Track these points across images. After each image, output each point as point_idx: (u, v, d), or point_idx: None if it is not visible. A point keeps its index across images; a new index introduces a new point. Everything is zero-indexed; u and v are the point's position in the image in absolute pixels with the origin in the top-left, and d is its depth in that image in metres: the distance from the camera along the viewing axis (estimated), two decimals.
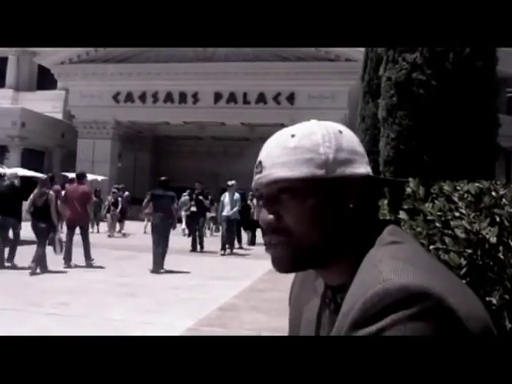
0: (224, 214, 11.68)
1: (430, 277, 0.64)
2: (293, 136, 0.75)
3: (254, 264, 9.32)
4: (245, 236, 14.11)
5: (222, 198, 12.04)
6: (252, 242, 14.06)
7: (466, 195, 1.89)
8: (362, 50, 5.48)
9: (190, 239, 12.23)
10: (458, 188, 1.93)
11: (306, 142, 0.75)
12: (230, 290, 6.65)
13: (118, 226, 15.91)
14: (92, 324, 4.69)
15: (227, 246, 11.76)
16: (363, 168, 0.77)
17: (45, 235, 7.80)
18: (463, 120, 3.02)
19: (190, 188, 14.14)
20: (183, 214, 13.85)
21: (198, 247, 11.90)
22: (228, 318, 5.16)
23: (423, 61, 3.09)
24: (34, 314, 5.01)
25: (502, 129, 3.29)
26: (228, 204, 11.70)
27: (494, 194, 1.82)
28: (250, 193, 13.10)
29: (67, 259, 8.44)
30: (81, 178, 9.09)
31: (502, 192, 1.83)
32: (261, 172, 0.76)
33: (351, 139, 0.78)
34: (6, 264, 8.09)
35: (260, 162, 0.77)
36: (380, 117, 3.45)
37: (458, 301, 0.63)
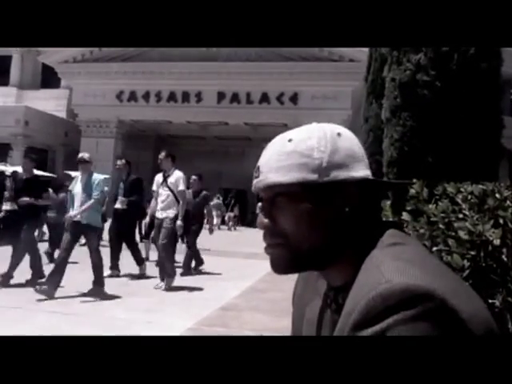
0: (69, 213, 6.12)
1: (433, 278, 0.64)
2: (290, 141, 0.77)
3: (254, 265, 9.31)
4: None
5: (70, 187, 6.50)
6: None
7: (469, 197, 1.88)
8: (366, 50, 5.47)
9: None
10: (462, 189, 1.92)
11: (301, 146, 0.76)
12: (231, 290, 6.65)
13: None
14: (93, 322, 4.70)
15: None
16: (362, 171, 0.77)
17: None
18: (467, 121, 3.02)
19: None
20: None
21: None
22: (229, 317, 5.15)
23: (427, 62, 3.08)
24: (36, 312, 5.01)
25: (506, 130, 3.28)
26: (78, 195, 6.16)
27: (497, 195, 1.81)
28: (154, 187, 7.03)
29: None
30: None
31: (505, 194, 1.82)
32: (258, 177, 0.78)
33: (350, 142, 0.78)
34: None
35: (258, 167, 0.79)
36: (384, 117, 3.44)
37: (461, 302, 0.62)
